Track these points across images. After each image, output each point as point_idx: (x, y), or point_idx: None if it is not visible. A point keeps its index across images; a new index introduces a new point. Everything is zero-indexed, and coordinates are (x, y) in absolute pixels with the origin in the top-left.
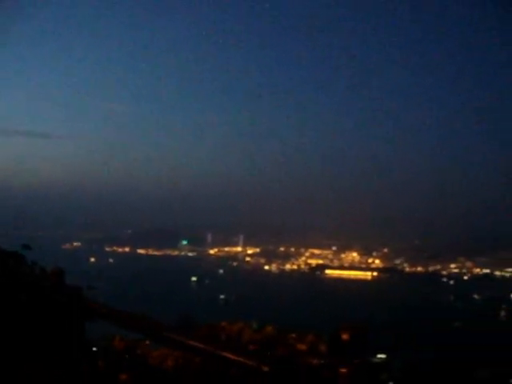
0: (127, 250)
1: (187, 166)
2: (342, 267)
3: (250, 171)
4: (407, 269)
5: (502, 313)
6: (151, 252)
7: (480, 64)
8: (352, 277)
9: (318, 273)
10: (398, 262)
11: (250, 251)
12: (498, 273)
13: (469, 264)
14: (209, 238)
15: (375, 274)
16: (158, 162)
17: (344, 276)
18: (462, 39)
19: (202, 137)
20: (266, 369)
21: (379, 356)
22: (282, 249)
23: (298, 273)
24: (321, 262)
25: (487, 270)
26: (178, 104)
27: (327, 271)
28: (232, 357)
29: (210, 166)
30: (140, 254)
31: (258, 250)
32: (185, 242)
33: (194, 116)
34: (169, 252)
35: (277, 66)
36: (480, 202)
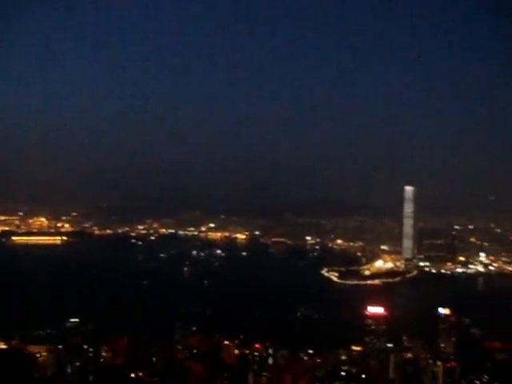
0: None
1: None
2: (30, 233)
3: None
4: (97, 232)
5: (186, 269)
6: None
7: None
8: (41, 242)
9: (3, 240)
10: (87, 225)
11: None
12: (181, 232)
13: (156, 225)
14: None
15: (65, 238)
16: None
17: (32, 242)
18: None
19: None
20: None
21: (72, 320)
22: None
23: None
24: (6, 228)
25: (172, 230)
26: None
27: (14, 238)
28: None
29: None
30: None
31: None
32: None
33: None
34: None
35: None
36: (162, 167)
